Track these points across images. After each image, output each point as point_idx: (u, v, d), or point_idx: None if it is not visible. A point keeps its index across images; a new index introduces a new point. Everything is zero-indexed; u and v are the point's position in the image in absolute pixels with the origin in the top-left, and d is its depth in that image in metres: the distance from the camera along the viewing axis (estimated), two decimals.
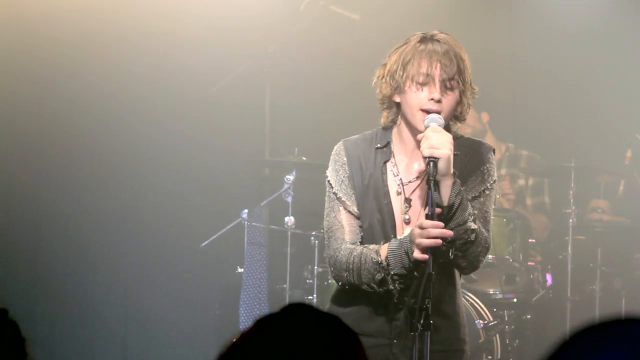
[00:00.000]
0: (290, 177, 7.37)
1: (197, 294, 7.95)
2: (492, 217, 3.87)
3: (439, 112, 3.68)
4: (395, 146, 3.85)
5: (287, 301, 7.34)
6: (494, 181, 3.85)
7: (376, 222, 3.82)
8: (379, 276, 3.72)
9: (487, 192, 3.81)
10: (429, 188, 3.59)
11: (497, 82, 8.20)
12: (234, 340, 1.64)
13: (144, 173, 7.80)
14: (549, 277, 7.44)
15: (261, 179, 7.93)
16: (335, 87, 7.80)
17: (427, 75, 3.69)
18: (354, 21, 7.86)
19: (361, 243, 3.84)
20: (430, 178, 3.59)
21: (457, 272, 3.88)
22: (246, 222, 7.48)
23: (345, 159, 3.88)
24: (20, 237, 7.55)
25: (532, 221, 7.59)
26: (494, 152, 3.87)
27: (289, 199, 7.36)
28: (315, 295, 7.28)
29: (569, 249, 7.26)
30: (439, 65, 3.69)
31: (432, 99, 3.68)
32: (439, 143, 3.61)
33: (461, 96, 3.75)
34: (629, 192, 7.76)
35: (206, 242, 7.52)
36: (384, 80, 3.79)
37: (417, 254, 3.60)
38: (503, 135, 8.07)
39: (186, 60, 7.77)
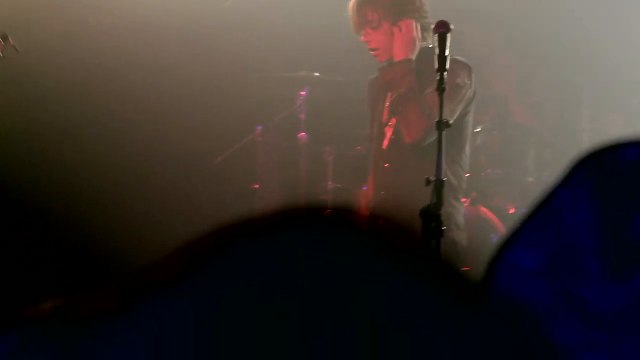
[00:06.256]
0: (303, 93, 7.26)
1: (210, 209, 7.84)
2: None
3: None
4: None
5: None
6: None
7: None
8: None
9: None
10: None
11: None
12: None
13: None
14: None
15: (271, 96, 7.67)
16: None
17: None
18: None
19: None
20: None
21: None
22: (259, 139, 7.40)
23: None
24: None
25: None
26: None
27: (302, 116, 7.26)
28: None
29: None
30: None
31: None
32: None
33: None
34: None
35: (220, 158, 7.44)
36: None
37: None
38: None
39: None
